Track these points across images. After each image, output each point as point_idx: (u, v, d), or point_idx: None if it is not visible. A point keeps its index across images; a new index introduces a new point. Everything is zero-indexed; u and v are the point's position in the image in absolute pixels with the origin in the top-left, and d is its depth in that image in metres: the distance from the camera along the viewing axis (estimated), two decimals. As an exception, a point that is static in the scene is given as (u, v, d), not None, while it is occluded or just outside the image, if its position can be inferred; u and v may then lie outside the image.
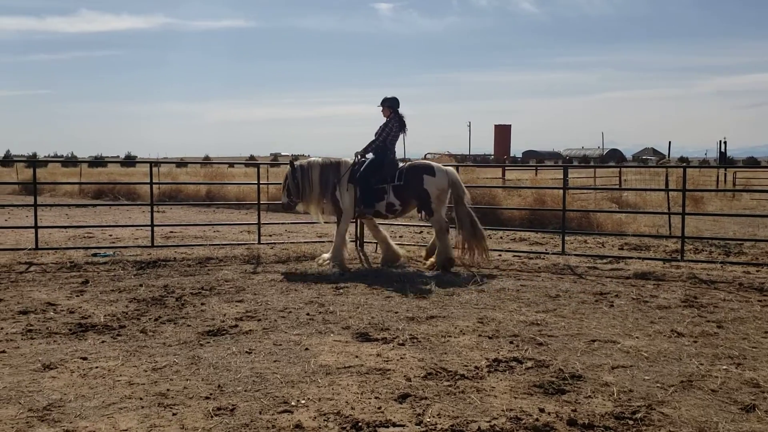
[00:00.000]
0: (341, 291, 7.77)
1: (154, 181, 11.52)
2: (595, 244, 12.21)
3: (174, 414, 4.14)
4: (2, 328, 6.08)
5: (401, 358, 5.26)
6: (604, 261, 9.97)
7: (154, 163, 12.69)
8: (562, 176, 14.77)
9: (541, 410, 4.21)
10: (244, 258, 10.15)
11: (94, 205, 18.80)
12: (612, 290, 7.87)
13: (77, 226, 13.63)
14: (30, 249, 10.41)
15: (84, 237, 12.73)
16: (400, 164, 9.68)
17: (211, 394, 4.47)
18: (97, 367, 5.01)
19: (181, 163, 41.39)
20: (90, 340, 5.76)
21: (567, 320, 6.48)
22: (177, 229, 13.86)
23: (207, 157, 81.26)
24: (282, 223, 14.31)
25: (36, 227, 10.55)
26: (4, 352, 5.36)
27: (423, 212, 9.43)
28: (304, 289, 7.88)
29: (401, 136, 9.64)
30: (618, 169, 26.20)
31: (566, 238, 10.81)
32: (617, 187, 21.83)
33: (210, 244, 11.30)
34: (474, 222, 9.29)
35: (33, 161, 23.23)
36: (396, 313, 6.73)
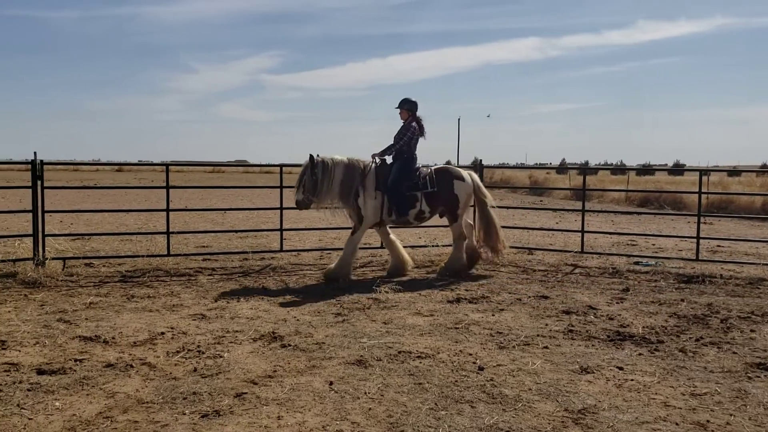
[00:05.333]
0: None
1: (702, 190, 10.79)
2: None
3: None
4: (547, 324, 6.48)
5: None
6: None
7: (704, 172, 11.87)
8: None
9: None
10: (808, 283, 8.63)
11: (639, 213, 18.86)
12: None
13: (621, 233, 13.84)
14: (576, 252, 10.97)
15: (627, 244, 12.82)
16: (423, 168, 9.21)
17: (760, 440, 3.82)
18: (632, 380, 4.86)
19: (734, 172, 38.39)
20: (627, 350, 5.64)
21: None
22: (725, 243, 12.76)
23: (764, 165, 73.59)
24: None
25: (582, 231, 11.05)
26: (546, 348, 5.68)
27: (447, 217, 9.29)
28: None
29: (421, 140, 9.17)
30: None
31: None
32: None
33: (763, 264, 10.01)
34: (492, 224, 9.36)
35: (584, 168, 24.74)
36: None
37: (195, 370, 4.96)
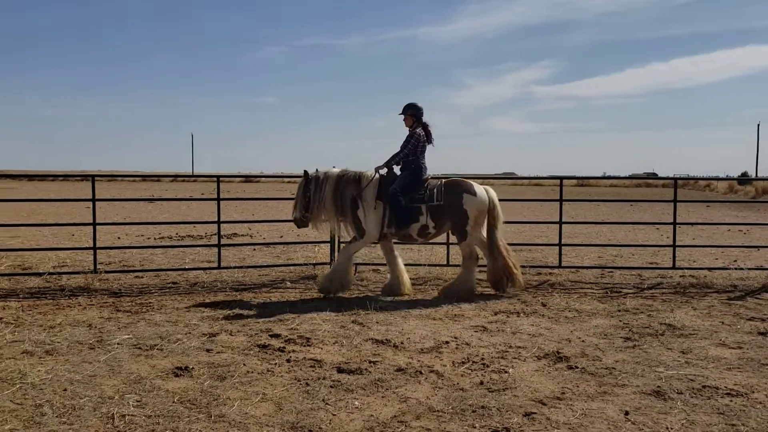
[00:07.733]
0: None
1: None
2: None
3: None
4: None
5: None
6: None
7: None
8: None
9: None
10: None
11: None
12: None
13: None
14: None
15: None
16: (433, 180, 8.51)
17: None
18: None
19: None
20: None
21: None
22: None
23: None
24: None
25: None
26: None
27: (455, 235, 8.50)
28: None
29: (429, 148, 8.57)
30: None
31: None
32: None
33: None
34: (503, 249, 8.39)
35: None
36: None
37: (481, 383, 4.94)
